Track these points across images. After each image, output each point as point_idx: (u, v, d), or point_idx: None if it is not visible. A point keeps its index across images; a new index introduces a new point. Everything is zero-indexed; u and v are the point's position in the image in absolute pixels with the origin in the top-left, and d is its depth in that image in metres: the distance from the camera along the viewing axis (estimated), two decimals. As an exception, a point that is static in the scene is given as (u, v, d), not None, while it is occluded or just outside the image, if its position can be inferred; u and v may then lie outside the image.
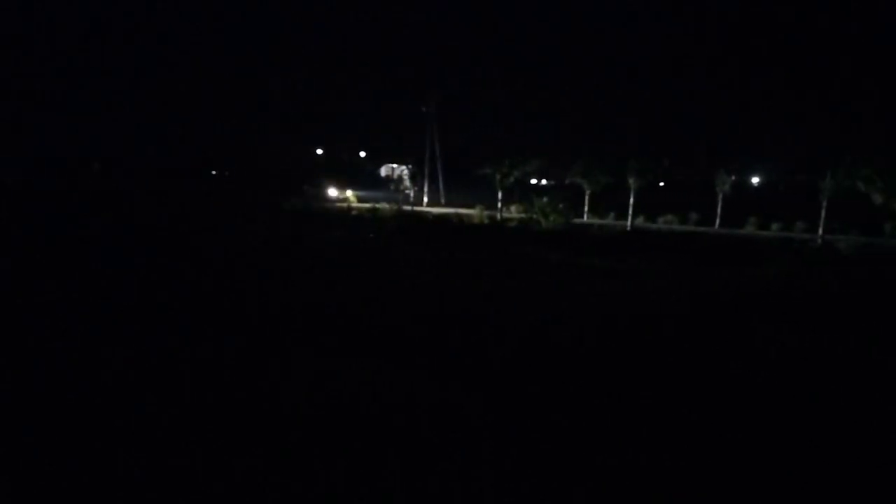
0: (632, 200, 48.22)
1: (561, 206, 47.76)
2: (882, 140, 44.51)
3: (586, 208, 54.45)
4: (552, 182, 69.32)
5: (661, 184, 57.34)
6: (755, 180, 54.42)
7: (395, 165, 69.09)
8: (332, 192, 65.41)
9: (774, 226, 46.51)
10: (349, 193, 64.34)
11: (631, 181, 48.83)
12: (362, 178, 69.18)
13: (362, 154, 65.40)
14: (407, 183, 62.72)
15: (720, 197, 49.27)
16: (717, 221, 48.68)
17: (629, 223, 47.62)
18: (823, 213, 41.27)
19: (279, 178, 67.08)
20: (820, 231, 40.99)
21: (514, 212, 52.43)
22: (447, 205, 60.64)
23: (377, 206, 57.00)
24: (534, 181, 66.78)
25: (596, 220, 51.62)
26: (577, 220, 49.55)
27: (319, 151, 62.92)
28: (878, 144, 43.89)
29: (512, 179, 53.62)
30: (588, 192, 54.57)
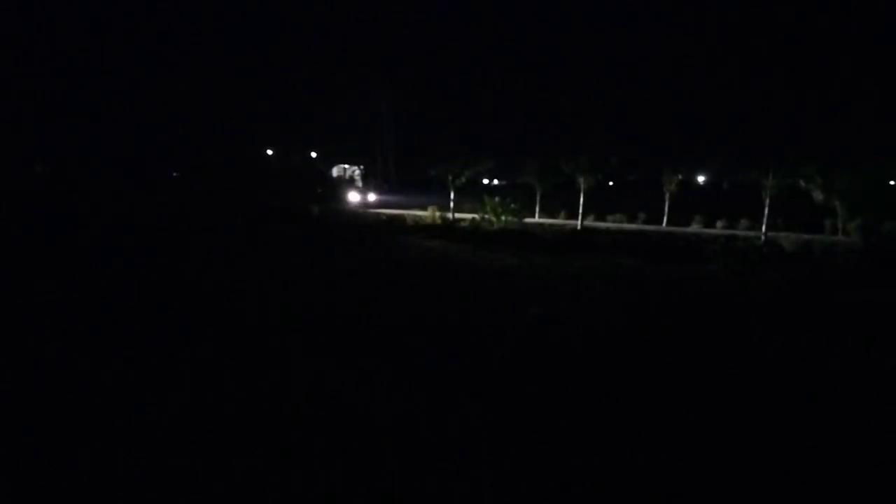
0: (581, 200, 48.82)
1: (513, 205, 48.15)
2: (824, 138, 45.83)
3: (538, 208, 55.01)
4: (504, 182, 69.72)
5: (611, 183, 58.23)
6: (701, 179, 55.71)
7: (346, 166, 68.58)
8: (354, 196, 62.06)
9: (719, 224, 47.71)
10: (371, 198, 61.58)
11: (581, 180, 49.48)
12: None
13: (313, 155, 64.66)
14: (359, 184, 62.27)
15: (667, 196, 50.39)
16: (665, 220, 49.79)
17: (579, 222, 48.18)
18: (766, 210, 42.34)
19: (276, 181, 63.83)
20: (763, 229, 42.05)
21: (467, 211, 52.55)
22: (402, 205, 60.36)
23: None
24: (486, 181, 67.07)
25: (547, 220, 52.18)
26: (528, 220, 49.93)
27: (269, 152, 62.00)
28: (820, 143, 45.15)
29: (463, 179, 53.81)
30: (539, 192, 55.19)
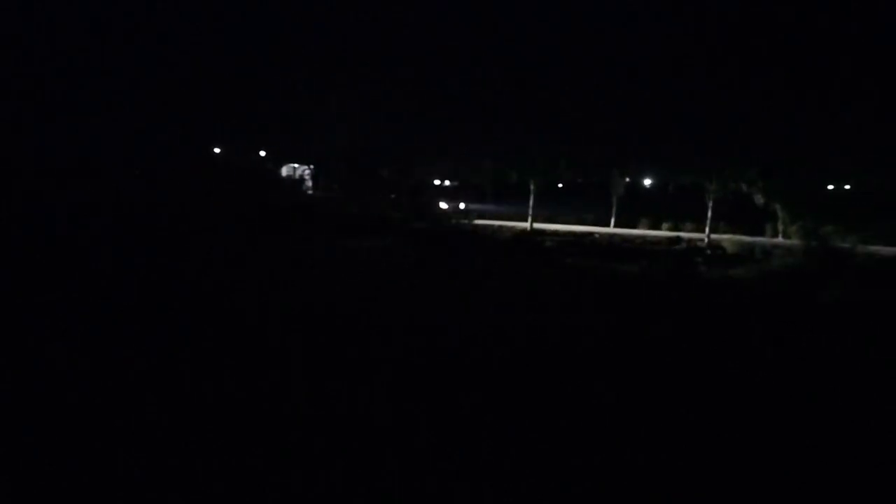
0: (531, 201, 49.28)
1: (464, 206, 48.46)
2: (766, 143, 47.00)
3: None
4: (456, 183, 69.85)
5: (560, 185, 58.90)
6: (648, 182, 56.79)
7: (296, 165, 67.51)
8: (444, 204, 56.10)
9: (665, 226, 48.72)
10: (461, 206, 58.41)
11: (531, 183, 50.02)
12: None
13: (262, 153, 63.58)
14: (308, 184, 61.50)
15: (614, 198, 51.25)
16: (612, 221, 50.59)
17: (529, 224, 48.57)
18: (710, 213, 43.36)
19: None
20: (706, 231, 42.98)
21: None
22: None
23: None
24: (437, 182, 67.03)
25: (496, 221, 52.43)
26: (479, 221, 50.12)
27: (217, 150, 60.60)
28: (762, 147, 46.33)
29: (413, 181, 53.86)
30: (490, 194, 55.61)
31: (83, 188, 50.53)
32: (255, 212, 42.09)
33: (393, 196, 56.22)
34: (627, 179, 51.44)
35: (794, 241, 40.92)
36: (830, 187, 54.10)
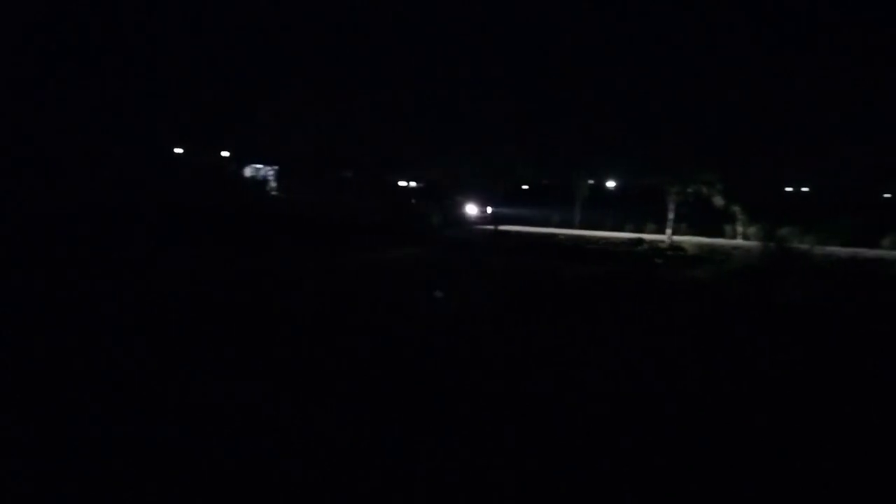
0: (500, 202, 49.61)
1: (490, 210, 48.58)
2: (729, 145, 47.74)
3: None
4: (421, 184, 69.96)
5: (525, 187, 59.26)
6: (611, 184, 57.39)
7: (260, 166, 66.82)
8: (471, 209, 53.81)
9: (627, 227, 49.24)
10: (489, 211, 54.72)
11: (497, 185, 50.28)
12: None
13: (224, 154, 62.76)
14: (272, 185, 60.99)
15: (578, 200, 51.75)
16: (577, 222, 51.11)
17: (494, 225, 48.72)
18: (670, 215, 43.89)
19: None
20: (668, 232, 43.48)
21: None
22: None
23: None
24: (403, 183, 67.03)
25: (462, 223, 52.60)
26: (445, 223, 50.16)
27: (179, 151, 59.65)
28: (721, 150, 47.02)
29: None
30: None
31: (36, 188, 48.76)
32: (253, 216, 39.58)
33: (414, 201, 55.12)
34: (591, 182, 51.92)
35: (753, 243, 41.65)
36: (789, 189, 55.29)
